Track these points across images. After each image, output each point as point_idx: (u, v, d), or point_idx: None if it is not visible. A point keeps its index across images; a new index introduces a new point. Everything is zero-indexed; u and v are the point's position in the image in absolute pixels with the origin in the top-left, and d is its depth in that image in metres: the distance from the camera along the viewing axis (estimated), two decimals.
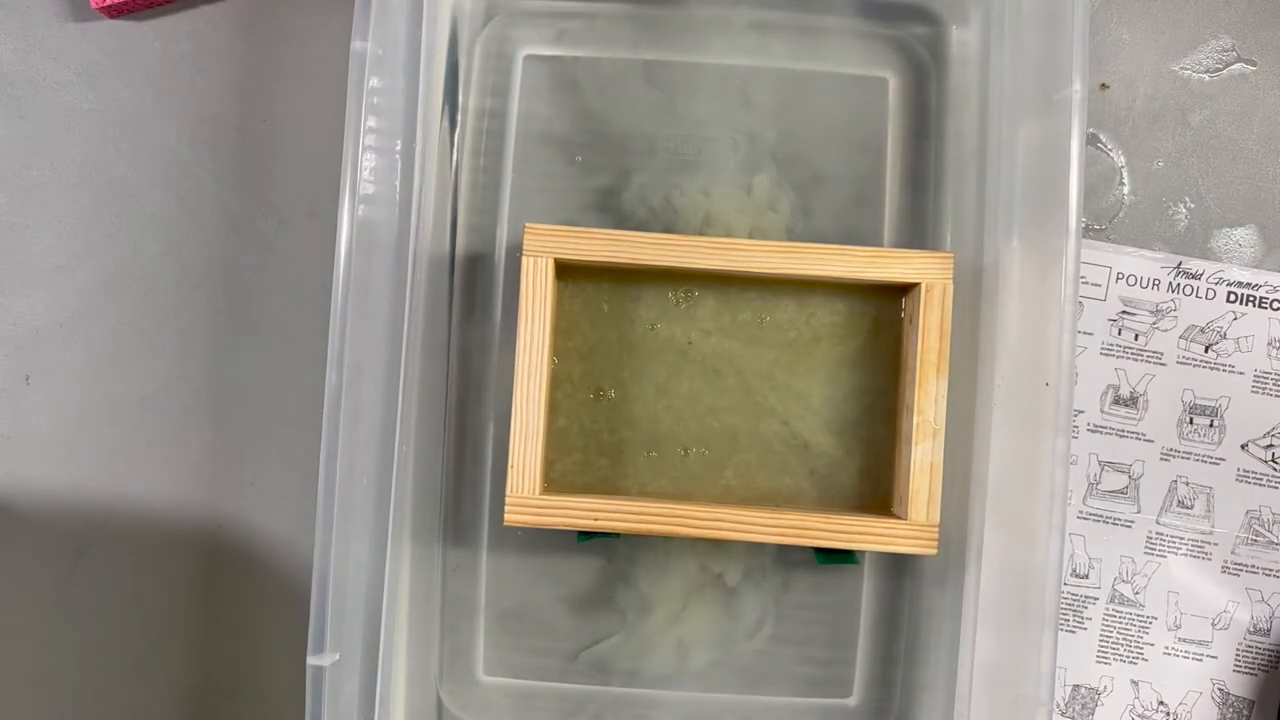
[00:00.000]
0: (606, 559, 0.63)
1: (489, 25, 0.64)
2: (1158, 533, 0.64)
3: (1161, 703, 0.64)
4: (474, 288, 0.63)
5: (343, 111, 0.51)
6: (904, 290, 0.60)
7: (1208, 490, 0.64)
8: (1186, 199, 0.65)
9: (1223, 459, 0.64)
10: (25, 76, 0.65)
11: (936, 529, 0.56)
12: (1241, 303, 0.64)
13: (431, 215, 0.60)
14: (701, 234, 0.62)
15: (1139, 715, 0.64)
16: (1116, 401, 0.64)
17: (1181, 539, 0.64)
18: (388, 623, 0.54)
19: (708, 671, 0.63)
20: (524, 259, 0.56)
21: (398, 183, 0.55)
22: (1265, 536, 0.64)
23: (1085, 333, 0.64)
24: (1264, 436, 0.64)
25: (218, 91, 0.65)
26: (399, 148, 0.55)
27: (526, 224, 0.57)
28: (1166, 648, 0.64)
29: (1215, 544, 0.64)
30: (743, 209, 0.63)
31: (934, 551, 0.56)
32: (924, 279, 0.57)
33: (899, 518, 0.57)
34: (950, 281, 0.57)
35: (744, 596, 0.63)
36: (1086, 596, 0.64)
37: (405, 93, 0.55)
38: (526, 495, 0.56)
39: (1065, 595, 0.64)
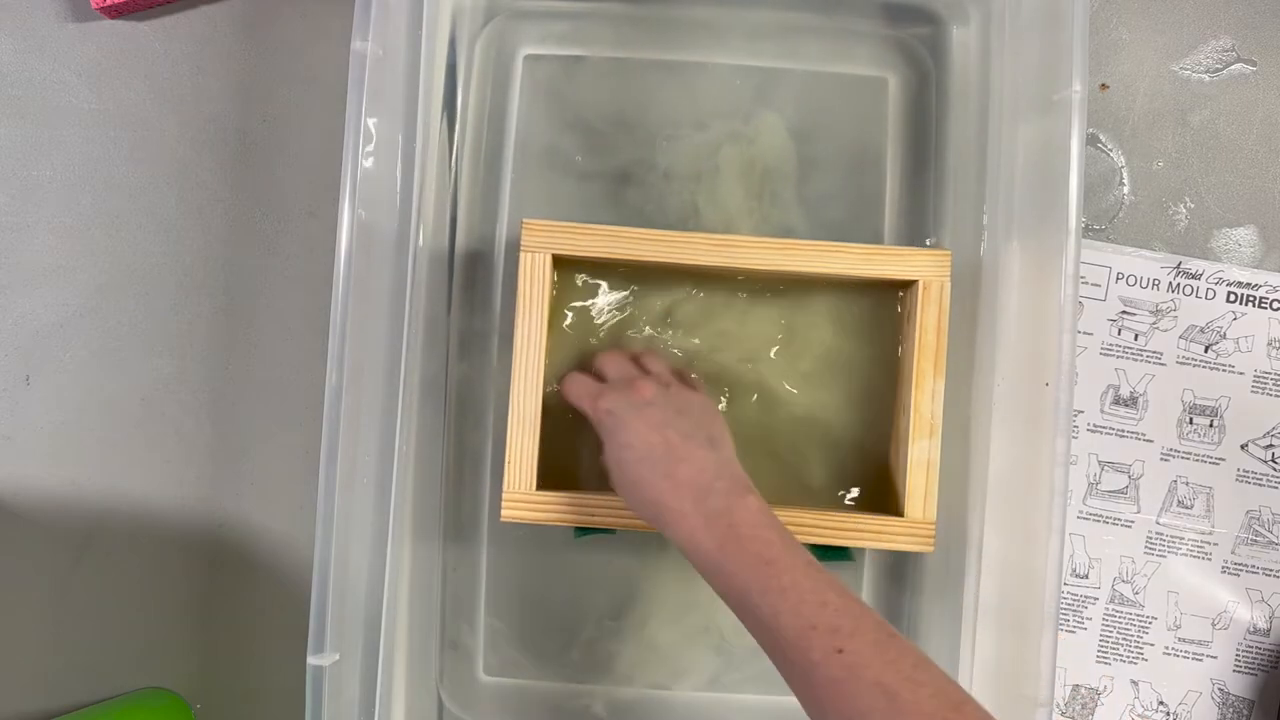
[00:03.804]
0: (607, 557, 0.63)
1: (489, 25, 0.64)
2: (1158, 533, 0.64)
3: (1161, 703, 0.64)
4: (474, 286, 0.63)
5: (343, 111, 0.51)
6: (901, 288, 0.60)
7: (1208, 490, 0.64)
8: (1186, 199, 0.65)
9: (1223, 459, 0.64)
10: (25, 76, 0.65)
11: (933, 526, 0.56)
12: (1241, 303, 0.64)
13: (431, 214, 0.60)
14: (701, 231, 0.62)
15: (1139, 715, 0.64)
16: (1116, 401, 0.64)
17: (1181, 539, 0.64)
18: (388, 623, 0.54)
19: (707, 671, 0.63)
20: (522, 254, 0.56)
21: (398, 183, 0.55)
22: (1265, 536, 0.64)
23: (1085, 333, 0.64)
24: (1264, 436, 0.64)
25: (218, 91, 0.65)
26: (399, 148, 0.55)
27: (524, 219, 0.57)
28: (1166, 648, 0.64)
29: (1215, 544, 0.64)
30: (741, 207, 0.63)
31: (931, 549, 0.56)
32: (921, 277, 0.57)
33: (896, 515, 0.57)
34: (947, 279, 0.57)
35: None
36: (1086, 596, 0.64)
37: (405, 93, 0.55)
38: (523, 491, 0.56)
39: (1065, 595, 0.64)
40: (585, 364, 0.60)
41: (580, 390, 0.55)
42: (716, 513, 0.47)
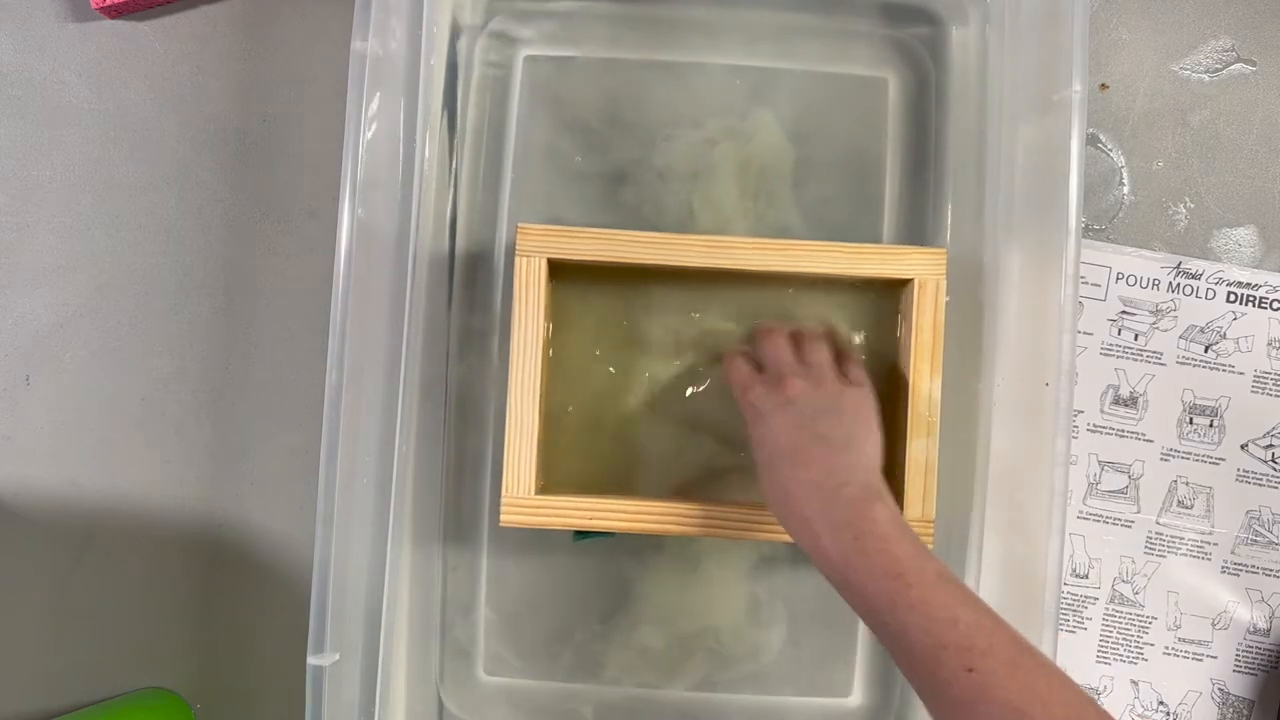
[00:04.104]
0: (605, 558, 0.63)
1: (489, 25, 0.64)
2: (1158, 533, 0.64)
3: (1161, 703, 0.64)
4: (474, 287, 0.63)
5: (343, 111, 0.51)
6: (897, 287, 0.60)
7: (1208, 490, 0.64)
8: (1186, 199, 0.65)
9: (1223, 459, 0.64)
10: (25, 76, 0.65)
11: (932, 525, 0.56)
12: (1241, 303, 0.64)
13: (431, 215, 0.60)
14: (698, 230, 0.62)
15: (1139, 715, 0.64)
16: (1116, 401, 0.64)
17: (1181, 539, 0.64)
18: (388, 623, 0.54)
19: (707, 671, 0.63)
20: (517, 259, 0.56)
21: (398, 183, 0.55)
22: (1265, 536, 0.64)
23: (1085, 333, 0.64)
24: (1264, 436, 0.64)
25: (218, 91, 0.65)
26: (399, 148, 0.55)
27: (519, 224, 0.57)
28: (1166, 648, 0.64)
29: (1215, 544, 0.64)
30: (738, 206, 0.63)
31: (930, 547, 0.56)
32: (916, 275, 0.57)
33: None
34: (943, 278, 0.57)
35: (742, 596, 0.63)
36: (1086, 596, 0.64)
37: (405, 93, 0.55)
38: (522, 496, 0.56)
39: (1065, 595, 0.64)
40: (750, 338, 0.59)
41: (736, 377, 0.55)
42: (842, 522, 0.46)
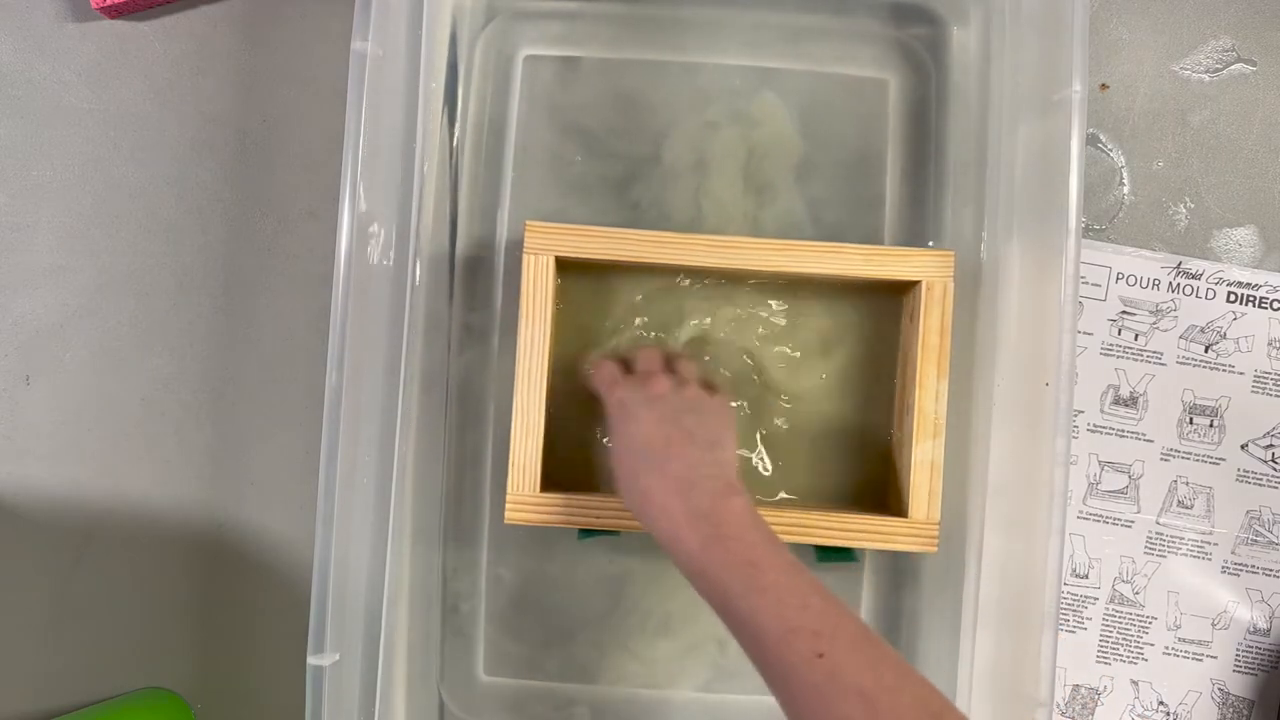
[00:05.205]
0: (608, 558, 0.63)
1: (489, 25, 0.64)
2: (1158, 533, 0.64)
3: (1161, 703, 0.64)
4: (474, 287, 0.63)
5: (343, 111, 0.51)
6: (904, 289, 0.60)
7: (1208, 490, 0.64)
8: (1186, 199, 0.65)
9: (1223, 459, 0.64)
10: (25, 76, 0.65)
11: (936, 527, 0.56)
12: (1241, 303, 0.64)
13: (431, 215, 0.60)
14: (703, 225, 0.62)
15: (1139, 715, 0.64)
16: (1116, 401, 0.64)
17: (1181, 539, 0.64)
18: (388, 623, 0.54)
19: (708, 671, 0.63)
20: (525, 256, 0.56)
21: (398, 183, 0.55)
22: (1265, 536, 0.64)
23: (1085, 333, 0.64)
24: (1264, 436, 0.64)
25: (218, 91, 0.65)
26: (399, 148, 0.55)
27: (527, 221, 0.57)
28: (1166, 648, 0.64)
29: (1215, 544, 0.64)
30: (742, 200, 0.63)
31: (934, 549, 0.56)
32: (924, 278, 0.57)
33: (899, 516, 0.57)
34: (951, 280, 0.57)
35: None
36: (1086, 596, 0.64)
37: (405, 93, 0.55)
38: (526, 494, 0.56)
39: (1065, 595, 0.64)
40: (624, 353, 0.60)
41: (604, 376, 0.56)
42: (701, 512, 0.47)
